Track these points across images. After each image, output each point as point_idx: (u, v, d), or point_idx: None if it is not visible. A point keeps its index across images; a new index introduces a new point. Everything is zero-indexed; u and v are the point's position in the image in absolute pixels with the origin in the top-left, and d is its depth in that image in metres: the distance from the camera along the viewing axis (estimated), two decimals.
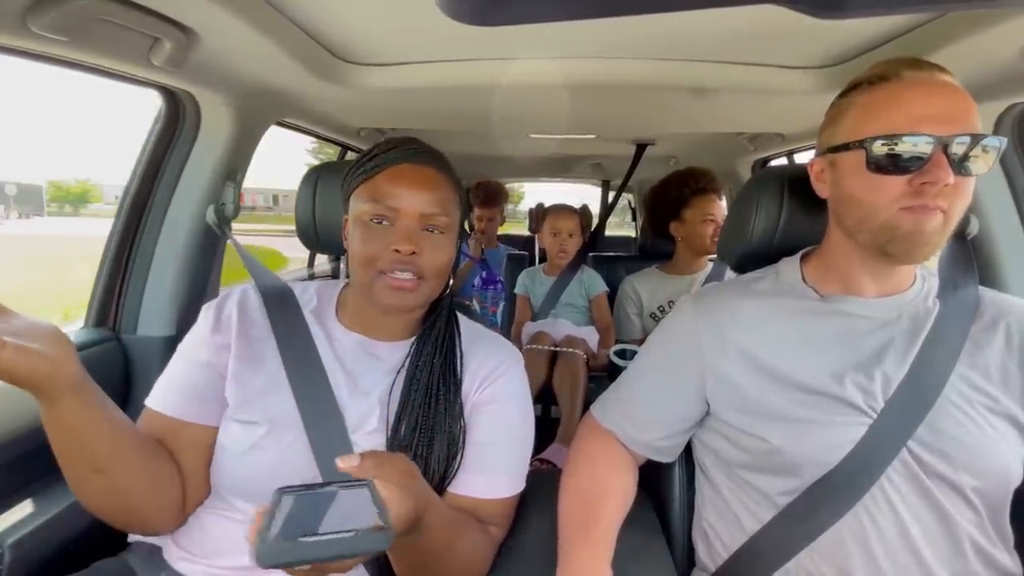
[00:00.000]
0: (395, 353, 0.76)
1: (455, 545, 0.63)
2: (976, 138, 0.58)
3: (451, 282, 0.81)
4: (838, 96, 0.70)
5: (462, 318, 0.83)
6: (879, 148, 0.60)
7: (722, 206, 1.77)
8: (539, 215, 2.16)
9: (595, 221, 2.32)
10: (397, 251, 0.67)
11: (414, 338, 0.77)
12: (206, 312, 0.76)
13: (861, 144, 0.62)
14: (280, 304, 0.76)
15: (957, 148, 0.58)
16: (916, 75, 0.61)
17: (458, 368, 0.74)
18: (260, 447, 0.67)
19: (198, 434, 0.71)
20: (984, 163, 0.59)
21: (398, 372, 0.73)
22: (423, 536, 0.57)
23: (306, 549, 0.40)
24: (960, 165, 0.58)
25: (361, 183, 0.72)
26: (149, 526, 0.70)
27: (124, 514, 0.66)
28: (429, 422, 0.69)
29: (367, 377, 0.73)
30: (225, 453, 0.69)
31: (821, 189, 0.72)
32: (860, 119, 0.64)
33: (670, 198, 1.82)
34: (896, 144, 0.59)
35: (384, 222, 0.69)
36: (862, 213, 0.64)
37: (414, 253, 0.67)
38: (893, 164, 0.60)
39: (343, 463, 0.50)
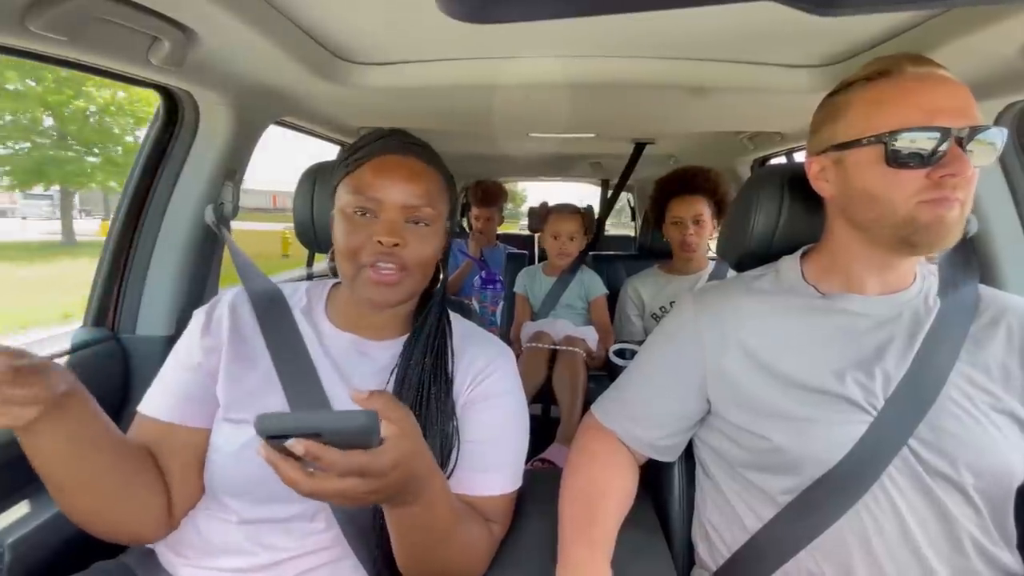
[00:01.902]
0: (387, 352, 0.76)
1: (458, 530, 0.63)
2: (985, 130, 0.59)
3: (440, 275, 0.81)
4: (830, 95, 0.70)
5: (454, 316, 0.82)
6: (897, 142, 0.60)
7: (701, 207, 1.73)
8: (542, 215, 2.13)
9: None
10: (380, 243, 0.67)
11: (405, 337, 0.77)
12: (197, 316, 0.76)
13: (878, 139, 0.61)
14: (270, 306, 0.76)
15: (968, 140, 0.58)
16: (919, 70, 0.62)
17: (449, 367, 0.74)
18: (252, 446, 0.66)
19: (190, 437, 0.70)
20: (990, 155, 0.60)
21: (391, 372, 0.73)
22: (426, 508, 0.57)
23: (297, 419, 0.46)
24: (972, 157, 0.59)
25: (346, 175, 0.71)
26: (130, 537, 0.70)
27: (97, 528, 0.66)
28: (421, 420, 0.69)
29: (358, 376, 0.73)
30: (218, 453, 0.69)
31: (823, 188, 0.71)
32: (868, 114, 0.63)
33: (658, 202, 1.83)
34: (914, 138, 0.59)
35: (368, 214, 0.69)
36: (880, 208, 0.63)
37: (397, 245, 0.67)
38: (912, 158, 0.60)
39: (354, 393, 0.51)
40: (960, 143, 0.58)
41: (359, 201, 0.69)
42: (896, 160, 0.60)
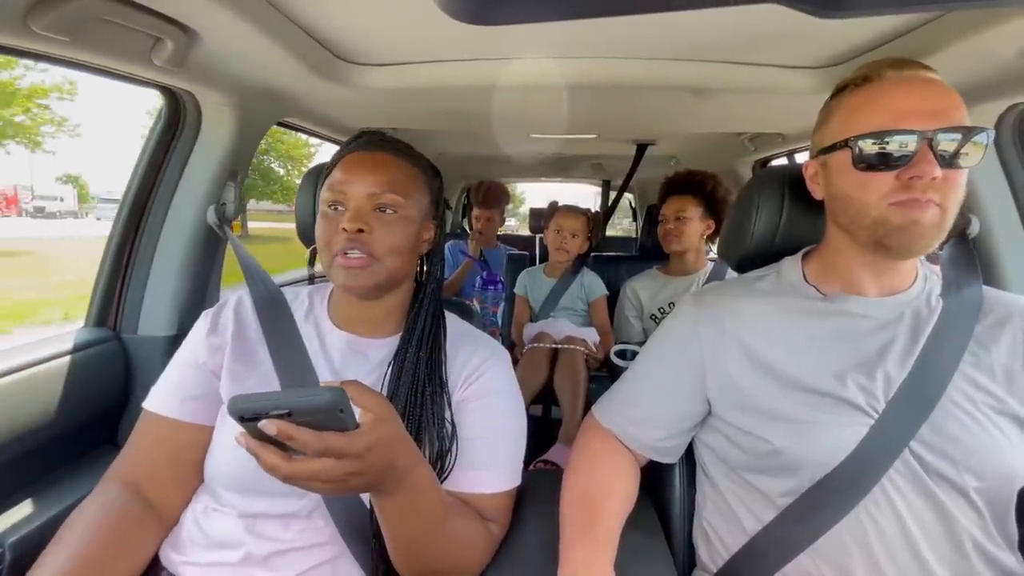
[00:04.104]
0: (382, 350, 0.78)
1: (449, 524, 0.63)
2: (961, 131, 0.59)
3: (425, 268, 0.82)
4: (827, 100, 0.71)
5: (450, 317, 0.83)
6: (864, 146, 0.61)
7: (686, 205, 1.78)
8: (549, 211, 2.14)
9: None
10: (345, 229, 0.69)
11: (400, 334, 0.78)
12: (204, 317, 0.79)
13: (846, 144, 0.63)
14: (272, 308, 0.79)
15: (942, 142, 0.59)
16: (898, 74, 0.63)
17: (443, 364, 0.76)
18: None
19: (193, 434, 0.73)
20: (973, 156, 0.60)
21: (387, 368, 0.75)
22: (412, 497, 0.57)
23: (266, 397, 0.46)
24: (947, 159, 0.59)
25: (324, 178, 0.76)
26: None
27: None
28: (416, 413, 0.70)
29: (353, 374, 0.75)
30: (220, 447, 0.71)
31: (816, 191, 0.73)
32: (846, 120, 0.65)
33: (657, 205, 1.90)
34: (880, 141, 0.60)
35: (339, 208, 0.72)
36: (854, 210, 0.65)
37: (361, 231, 0.70)
38: (879, 161, 0.61)
39: (323, 383, 0.52)
40: (931, 145, 0.58)
41: (331, 196, 0.73)
42: (864, 163, 0.62)
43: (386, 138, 0.77)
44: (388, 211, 0.72)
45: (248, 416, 0.45)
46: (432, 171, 0.80)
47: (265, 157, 20.11)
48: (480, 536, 0.70)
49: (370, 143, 0.76)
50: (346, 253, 0.70)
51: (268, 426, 0.45)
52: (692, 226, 1.78)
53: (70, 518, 0.67)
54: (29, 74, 11.66)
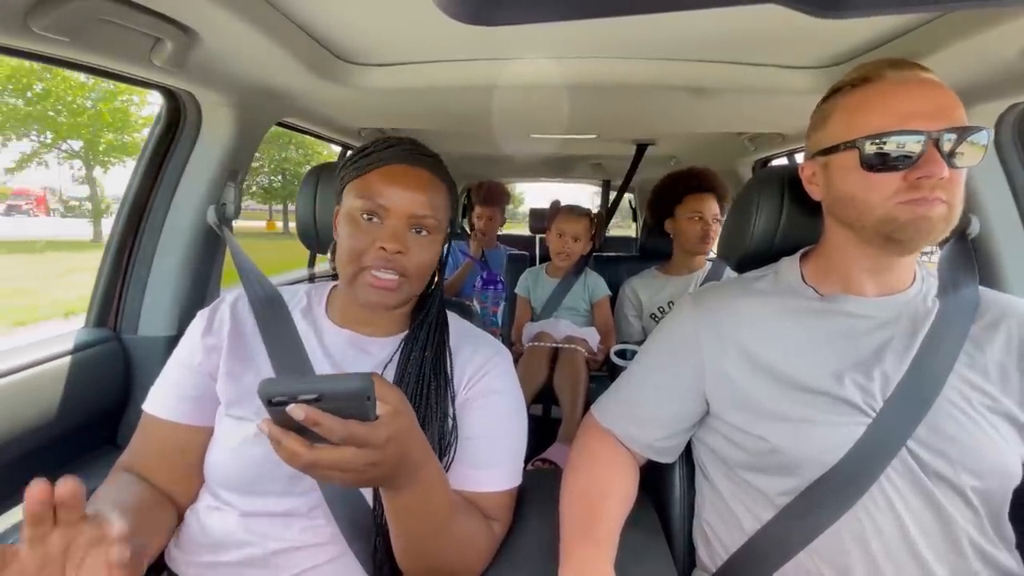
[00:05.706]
0: (385, 349, 0.77)
1: (455, 521, 0.63)
2: (965, 131, 0.59)
3: (435, 278, 0.83)
4: (820, 101, 0.71)
5: (452, 316, 0.83)
6: (872, 147, 0.61)
7: (716, 207, 1.78)
8: (551, 212, 2.13)
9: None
10: (383, 249, 0.68)
11: (404, 334, 0.78)
12: (200, 317, 0.78)
13: (853, 144, 0.63)
14: (268, 306, 0.79)
15: (947, 142, 0.59)
16: (899, 74, 0.63)
17: (447, 363, 0.76)
18: (252, 442, 0.69)
19: (192, 435, 0.73)
20: (974, 156, 0.61)
21: (386, 366, 0.74)
22: (422, 493, 0.57)
23: (297, 382, 0.47)
24: (951, 158, 0.59)
25: (355, 178, 0.73)
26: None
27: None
28: (420, 413, 0.70)
29: (355, 369, 0.75)
30: (219, 447, 0.71)
31: (814, 192, 0.73)
32: (848, 120, 0.65)
33: (667, 195, 1.86)
34: (888, 142, 0.60)
35: (374, 219, 0.71)
36: (859, 210, 0.65)
37: (400, 252, 0.69)
38: (886, 162, 0.61)
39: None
40: (936, 145, 0.59)
41: (367, 206, 0.70)
42: (871, 164, 0.62)
43: (428, 152, 0.76)
44: (423, 232, 0.72)
45: (275, 400, 0.45)
46: (454, 188, 0.79)
47: (307, 165, 22.93)
48: (483, 535, 0.70)
49: (414, 156, 0.73)
50: (377, 272, 0.69)
51: (296, 410, 0.45)
52: (719, 226, 1.79)
53: (95, 493, 0.66)
54: (145, 108, 15.33)
